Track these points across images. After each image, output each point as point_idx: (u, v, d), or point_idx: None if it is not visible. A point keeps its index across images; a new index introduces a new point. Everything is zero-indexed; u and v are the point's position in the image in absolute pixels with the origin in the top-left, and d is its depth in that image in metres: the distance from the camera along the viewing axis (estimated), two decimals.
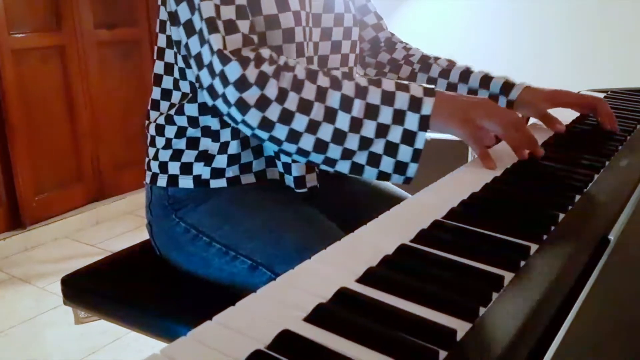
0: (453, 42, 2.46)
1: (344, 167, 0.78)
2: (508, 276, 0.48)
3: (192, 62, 0.78)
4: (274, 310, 0.44)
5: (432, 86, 0.78)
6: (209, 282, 0.88)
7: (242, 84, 0.73)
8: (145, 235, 0.99)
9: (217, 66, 0.74)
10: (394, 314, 0.43)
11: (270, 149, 0.89)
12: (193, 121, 0.88)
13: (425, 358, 0.38)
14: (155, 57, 0.91)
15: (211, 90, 0.76)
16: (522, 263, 0.51)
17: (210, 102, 0.78)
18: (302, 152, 0.78)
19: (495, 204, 0.65)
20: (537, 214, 0.61)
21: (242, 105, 0.74)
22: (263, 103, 0.74)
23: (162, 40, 0.89)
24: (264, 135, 0.77)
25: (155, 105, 0.93)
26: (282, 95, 0.74)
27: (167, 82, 0.90)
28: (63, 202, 2.61)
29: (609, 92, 1.38)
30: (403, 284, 0.47)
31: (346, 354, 0.38)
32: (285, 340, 0.40)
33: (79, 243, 2.51)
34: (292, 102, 0.74)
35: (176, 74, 0.89)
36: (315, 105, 0.75)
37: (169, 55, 0.89)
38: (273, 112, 0.74)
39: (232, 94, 0.74)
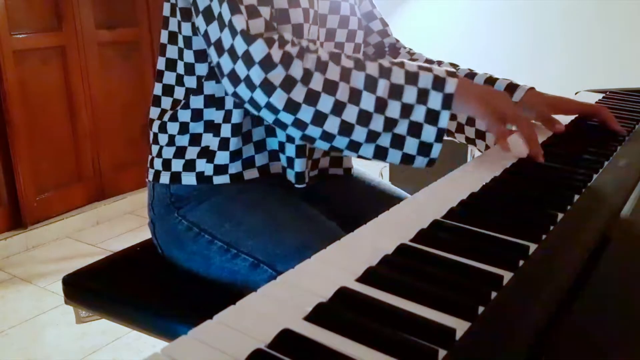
0: (452, 42, 2.46)
1: (367, 151, 0.78)
2: (507, 275, 0.49)
3: (211, 50, 0.77)
4: (274, 309, 0.44)
5: (454, 70, 0.78)
6: (210, 281, 0.89)
7: (267, 64, 0.72)
8: (146, 235, 0.99)
9: (241, 47, 0.73)
10: (394, 313, 0.43)
11: (273, 142, 0.89)
12: (197, 114, 0.88)
13: (424, 357, 0.38)
14: (158, 54, 0.92)
15: (233, 75, 0.75)
16: (521, 262, 0.51)
17: (231, 90, 0.77)
18: (326, 135, 0.76)
19: (494, 203, 0.65)
20: (536, 213, 0.61)
21: (268, 86, 0.73)
22: (288, 83, 0.73)
23: (164, 36, 0.89)
24: (288, 119, 0.75)
25: (157, 102, 0.93)
26: (307, 76, 0.73)
27: (169, 77, 0.90)
28: (64, 202, 2.61)
29: (607, 93, 1.38)
30: (402, 284, 0.47)
31: (346, 353, 0.38)
32: (286, 339, 0.40)
33: (79, 243, 2.51)
34: (317, 83, 0.74)
35: (180, 70, 0.89)
36: (341, 86, 0.74)
37: (171, 51, 0.89)
38: (298, 93, 0.73)
39: (257, 74, 0.73)
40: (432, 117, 0.75)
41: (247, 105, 0.78)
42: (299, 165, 0.88)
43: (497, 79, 1.03)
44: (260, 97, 0.74)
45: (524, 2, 2.33)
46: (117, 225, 2.67)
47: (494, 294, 0.46)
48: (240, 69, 0.74)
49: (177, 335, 0.40)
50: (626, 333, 0.41)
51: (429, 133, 0.76)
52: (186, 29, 0.86)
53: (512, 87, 1.01)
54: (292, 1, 0.81)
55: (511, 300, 0.45)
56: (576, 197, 0.66)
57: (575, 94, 1.39)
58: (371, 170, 1.13)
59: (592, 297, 0.44)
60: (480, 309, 0.43)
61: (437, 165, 0.81)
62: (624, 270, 0.51)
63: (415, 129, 0.76)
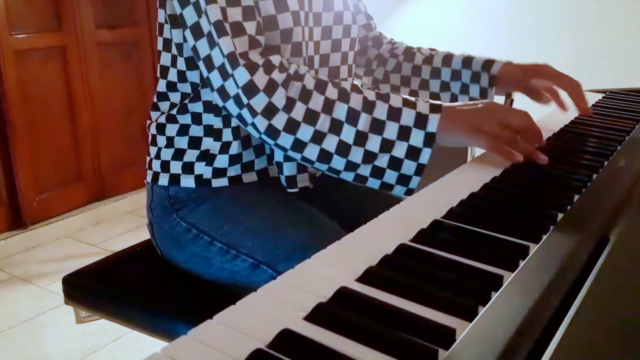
0: (452, 42, 2.46)
1: (348, 176, 0.80)
2: (507, 275, 0.49)
3: (200, 64, 0.79)
4: (274, 309, 0.44)
5: (439, 102, 0.78)
6: (210, 282, 0.89)
7: (250, 90, 0.74)
8: (146, 235, 0.99)
9: (229, 69, 0.75)
10: (394, 313, 0.43)
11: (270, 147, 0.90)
12: (197, 118, 0.89)
13: (424, 357, 0.38)
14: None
15: (222, 91, 0.77)
16: (521, 262, 0.51)
17: (220, 104, 0.79)
18: (306, 160, 0.79)
19: (495, 203, 0.65)
20: (536, 213, 0.61)
21: (251, 110, 0.75)
22: (270, 111, 0.75)
23: (160, 43, 0.90)
24: (270, 141, 0.78)
25: (155, 106, 0.93)
26: (289, 105, 0.75)
27: (164, 84, 0.91)
28: (64, 202, 2.61)
29: (607, 92, 1.38)
30: (403, 284, 0.47)
31: (346, 353, 0.38)
32: (286, 339, 0.40)
33: (79, 243, 2.51)
34: (298, 112, 0.75)
35: (173, 77, 0.89)
36: (322, 117, 0.76)
37: (165, 58, 0.89)
38: (279, 120, 0.75)
39: (242, 97, 0.75)
40: (413, 153, 0.76)
41: (236, 120, 0.80)
42: (288, 169, 0.88)
43: (473, 57, 1.06)
44: (247, 116, 0.76)
45: (524, 2, 2.33)
46: (117, 225, 2.67)
47: (494, 294, 0.46)
48: (230, 87, 0.76)
49: (177, 335, 0.40)
50: (626, 333, 0.41)
51: (409, 167, 0.77)
52: (177, 36, 0.86)
53: (489, 64, 1.04)
54: (280, 6, 0.81)
55: (511, 301, 0.45)
56: (576, 197, 0.66)
57: None
58: None
59: (591, 297, 0.44)
60: (481, 309, 0.43)
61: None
62: (624, 270, 0.51)
63: (395, 163, 0.77)
